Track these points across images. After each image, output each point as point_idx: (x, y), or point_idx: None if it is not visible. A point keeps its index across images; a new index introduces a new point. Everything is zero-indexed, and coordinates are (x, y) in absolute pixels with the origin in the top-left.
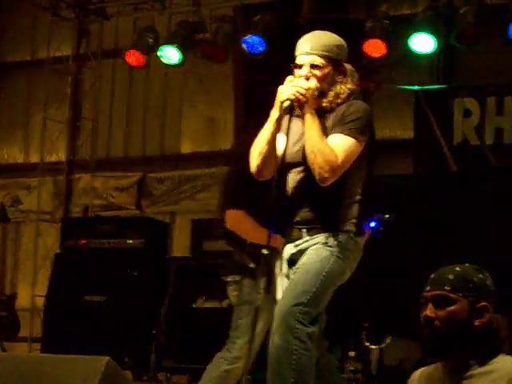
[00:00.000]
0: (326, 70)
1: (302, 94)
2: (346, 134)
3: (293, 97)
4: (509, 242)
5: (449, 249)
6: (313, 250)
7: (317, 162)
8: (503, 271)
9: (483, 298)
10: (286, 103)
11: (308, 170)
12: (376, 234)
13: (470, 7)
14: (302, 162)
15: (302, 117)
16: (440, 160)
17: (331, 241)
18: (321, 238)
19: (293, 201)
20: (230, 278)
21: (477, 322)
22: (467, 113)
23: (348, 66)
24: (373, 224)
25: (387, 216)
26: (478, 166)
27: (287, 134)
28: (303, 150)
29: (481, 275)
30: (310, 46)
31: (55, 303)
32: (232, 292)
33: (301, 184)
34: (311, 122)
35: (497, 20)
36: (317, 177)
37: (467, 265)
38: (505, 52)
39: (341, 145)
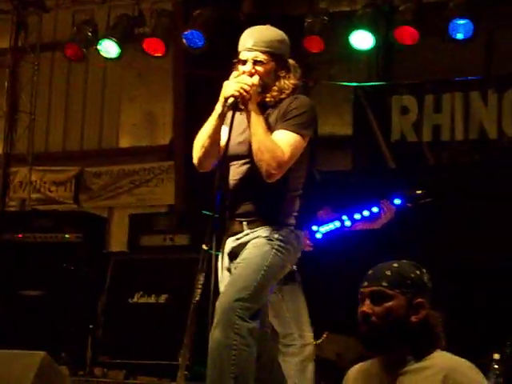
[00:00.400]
0: (269, 66)
1: (246, 91)
2: (290, 130)
3: (237, 93)
4: (445, 238)
5: (387, 245)
6: (254, 244)
7: (264, 158)
8: (439, 267)
9: (420, 295)
10: (231, 100)
11: (250, 164)
12: (403, 211)
13: (408, 5)
14: (245, 155)
15: (245, 112)
16: (378, 157)
17: (272, 234)
18: (262, 231)
19: (234, 193)
20: None
21: (413, 318)
22: (405, 110)
23: (291, 62)
24: (398, 201)
25: (419, 192)
26: (416, 163)
27: (230, 128)
28: (246, 143)
29: (418, 272)
30: (253, 42)
31: None
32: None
33: (242, 177)
34: (256, 119)
35: (435, 18)
36: (264, 173)
37: (404, 261)
38: (442, 50)
39: (286, 140)
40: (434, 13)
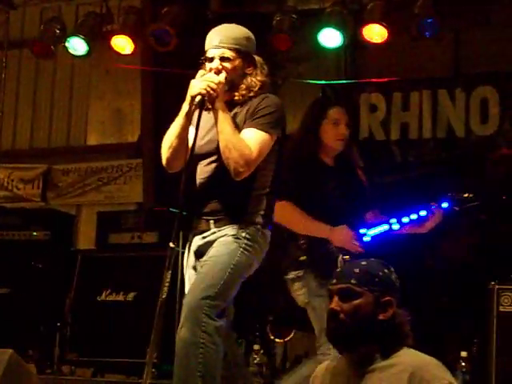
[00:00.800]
0: (236, 63)
1: (212, 89)
2: (259, 129)
3: (204, 91)
4: (412, 238)
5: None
6: (220, 243)
7: (232, 156)
8: (406, 267)
9: (388, 293)
10: (198, 98)
11: (217, 162)
12: (450, 215)
13: (377, 3)
14: (212, 153)
15: (212, 110)
16: None
17: (239, 233)
18: (228, 229)
19: (201, 192)
20: (292, 275)
21: (381, 316)
22: (373, 108)
23: (258, 59)
24: (445, 204)
25: (466, 195)
26: (384, 161)
27: (197, 127)
28: (213, 141)
29: (386, 270)
30: (220, 39)
31: None
32: (298, 291)
33: (210, 175)
34: (223, 117)
35: (403, 16)
36: (232, 171)
37: (373, 260)
38: (411, 48)
39: (255, 139)
40: (402, 11)
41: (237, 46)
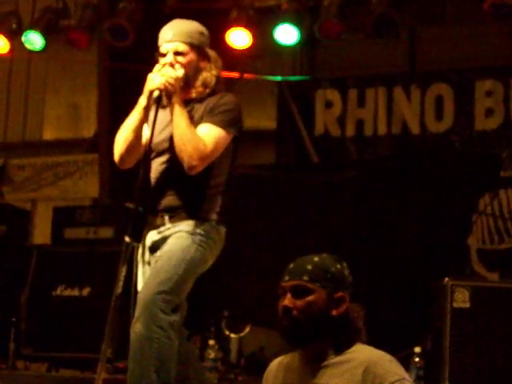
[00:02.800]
0: (190, 57)
1: (170, 84)
2: (216, 125)
3: (162, 86)
4: (367, 233)
5: (307, 239)
6: (175, 238)
7: (186, 150)
8: (361, 261)
9: (340, 289)
10: (156, 93)
11: (173, 159)
12: None
13: (333, 0)
14: (168, 150)
15: (168, 106)
16: (302, 151)
17: (194, 229)
18: (184, 225)
19: (157, 188)
20: None
21: (334, 312)
22: (329, 104)
23: (211, 53)
24: None
25: None
26: (339, 157)
27: (153, 123)
28: (169, 138)
29: (338, 265)
30: (173, 34)
31: None
32: None
33: (165, 172)
34: (180, 112)
35: (360, 13)
36: (185, 165)
37: (325, 255)
38: (366, 45)
39: (210, 134)
40: (358, 8)
41: (190, 40)
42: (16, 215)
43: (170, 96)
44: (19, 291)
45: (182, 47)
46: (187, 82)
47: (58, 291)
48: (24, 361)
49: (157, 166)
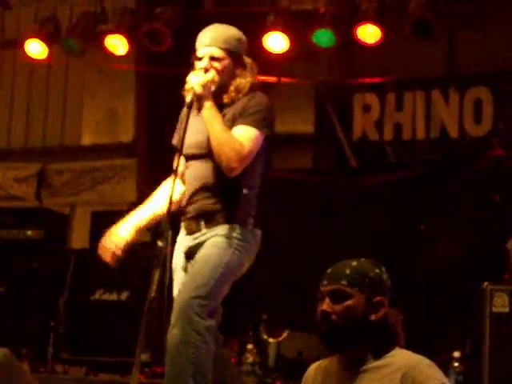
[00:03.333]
0: (226, 63)
1: (203, 87)
2: (249, 125)
3: (193, 90)
4: (405, 237)
5: (346, 243)
6: (211, 242)
7: (224, 152)
8: (399, 266)
9: (379, 293)
10: (188, 98)
11: (207, 162)
12: None
13: (371, 3)
14: (202, 154)
15: (201, 110)
16: (340, 155)
17: (230, 233)
18: (220, 229)
19: (191, 193)
20: None
21: (373, 317)
22: (367, 108)
23: (248, 60)
24: None
25: None
26: (377, 161)
27: (185, 128)
28: (203, 142)
29: (377, 270)
30: (210, 39)
31: None
32: None
33: (199, 176)
34: (213, 115)
35: (398, 16)
36: (224, 168)
37: (363, 259)
38: (404, 48)
39: (245, 135)
40: (396, 11)
41: (227, 46)
42: (54, 220)
43: (200, 100)
44: (58, 295)
45: (218, 52)
46: (220, 87)
47: (97, 295)
48: (63, 364)
49: (191, 170)
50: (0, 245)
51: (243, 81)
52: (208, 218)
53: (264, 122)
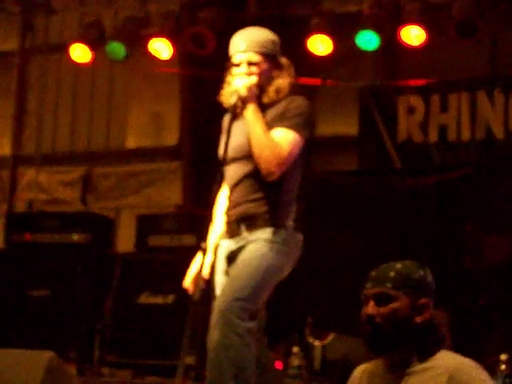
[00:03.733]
0: (264, 66)
1: (248, 90)
2: (289, 129)
3: (244, 92)
4: (452, 239)
5: (391, 246)
6: (253, 246)
7: (263, 156)
8: (445, 268)
9: (424, 295)
10: (233, 99)
11: (248, 166)
12: None
13: (415, 4)
14: (243, 158)
15: (242, 113)
16: (384, 157)
17: (271, 236)
18: (260, 233)
19: (233, 196)
20: None
21: (418, 319)
22: (411, 110)
23: (284, 60)
24: None
25: None
26: (422, 163)
27: (228, 131)
28: (245, 145)
29: (421, 272)
30: (245, 44)
31: None
32: None
33: (241, 180)
34: (256, 117)
35: (441, 17)
36: (264, 171)
37: (408, 262)
38: (449, 49)
39: (285, 139)
40: (439, 12)
41: (263, 50)
42: (100, 223)
43: (245, 103)
44: (104, 299)
45: (255, 57)
46: (260, 89)
47: (143, 298)
48: (109, 368)
49: (232, 174)
50: (46, 249)
51: (282, 81)
52: (249, 222)
53: (304, 125)
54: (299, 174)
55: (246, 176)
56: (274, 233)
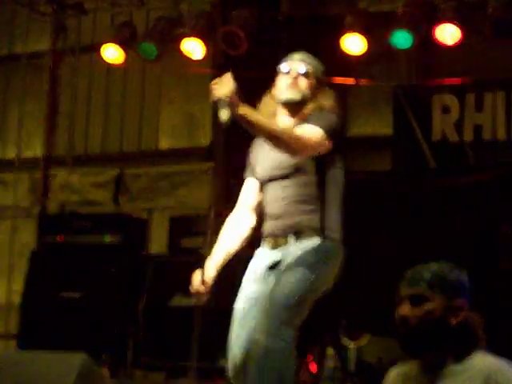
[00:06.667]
0: (311, 81)
1: (229, 95)
2: (313, 124)
3: (228, 98)
4: (487, 239)
5: (425, 246)
6: (299, 256)
7: (282, 139)
8: (480, 269)
9: (459, 296)
10: (225, 115)
11: (288, 181)
12: None
13: (450, 3)
14: (282, 175)
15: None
16: (419, 157)
17: (317, 247)
18: (306, 244)
19: (275, 214)
20: None
21: (452, 320)
22: (446, 109)
23: (328, 89)
24: None
25: None
26: (457, 162)
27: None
28: (281, 162)
29: (456, 273)
30: (301, 57)
31: (31, 300)
32: None
33: (282, 196)
34: (255, 115)
35: (476, 16)
36: (287, 152)
37: (443, 263)
38: (484, 48)
39: (307, 128)
40: (475, 11)
41: (314, 70)
42: (132, 224)
43: (232, 107)
44: (136, 301)
45: (306, 69)
46: (303, 103)
47: (176, 300)
48: (142, 370)
49: (271, 192)
50: (78, 250)
51: (325, 103)
52: (296, 234)
53: (330, 130)
54: (340, 185)
55: (288, 192)
56: (321, 244)
